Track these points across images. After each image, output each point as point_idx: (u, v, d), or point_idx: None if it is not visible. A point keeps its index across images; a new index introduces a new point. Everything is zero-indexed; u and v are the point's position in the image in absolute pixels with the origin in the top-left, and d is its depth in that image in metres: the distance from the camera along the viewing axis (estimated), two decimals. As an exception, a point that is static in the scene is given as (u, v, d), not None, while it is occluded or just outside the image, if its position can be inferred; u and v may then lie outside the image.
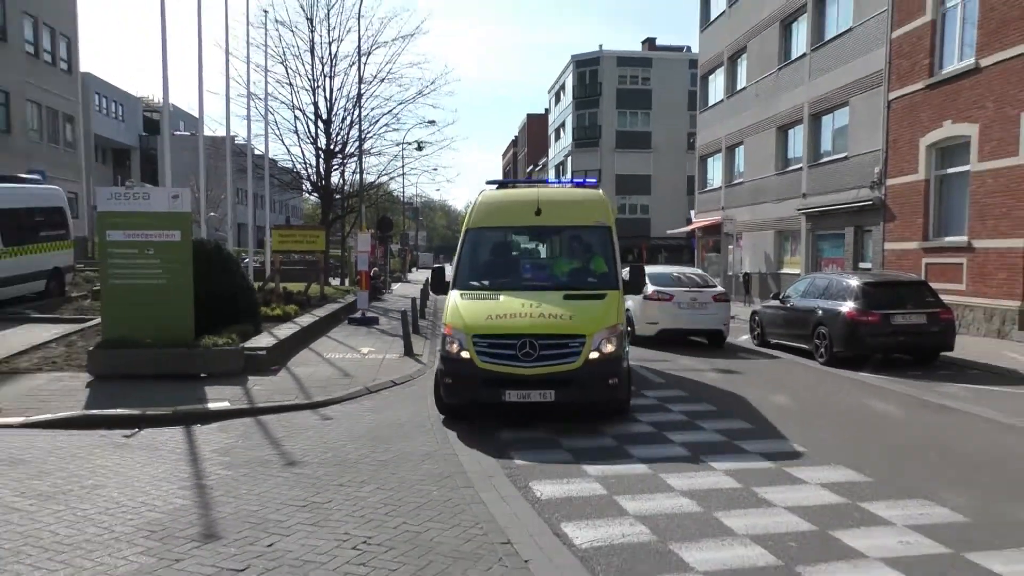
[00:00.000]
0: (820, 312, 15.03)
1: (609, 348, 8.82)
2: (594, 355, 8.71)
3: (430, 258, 77.06)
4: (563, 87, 73.13)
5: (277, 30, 29.16)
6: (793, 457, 7.84)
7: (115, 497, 6.35)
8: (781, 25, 29.61)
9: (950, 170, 19.85)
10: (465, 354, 8.82)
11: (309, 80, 29.73)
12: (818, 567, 5.08)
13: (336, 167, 31.69)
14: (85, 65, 41.40)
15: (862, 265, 23.74)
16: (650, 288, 16.41)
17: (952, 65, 19.58)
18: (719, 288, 18.64)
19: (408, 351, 14.65)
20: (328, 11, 30.08)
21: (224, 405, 9.83)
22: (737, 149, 33.97)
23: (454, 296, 9.69)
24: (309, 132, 30.06)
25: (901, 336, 14.15)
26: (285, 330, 15.20)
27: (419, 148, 35.40)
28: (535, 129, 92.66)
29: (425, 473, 7.13)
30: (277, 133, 30.21)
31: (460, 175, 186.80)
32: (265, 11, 28.91)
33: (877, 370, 13.68)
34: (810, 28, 27.37)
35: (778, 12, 29.66)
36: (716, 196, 36.17)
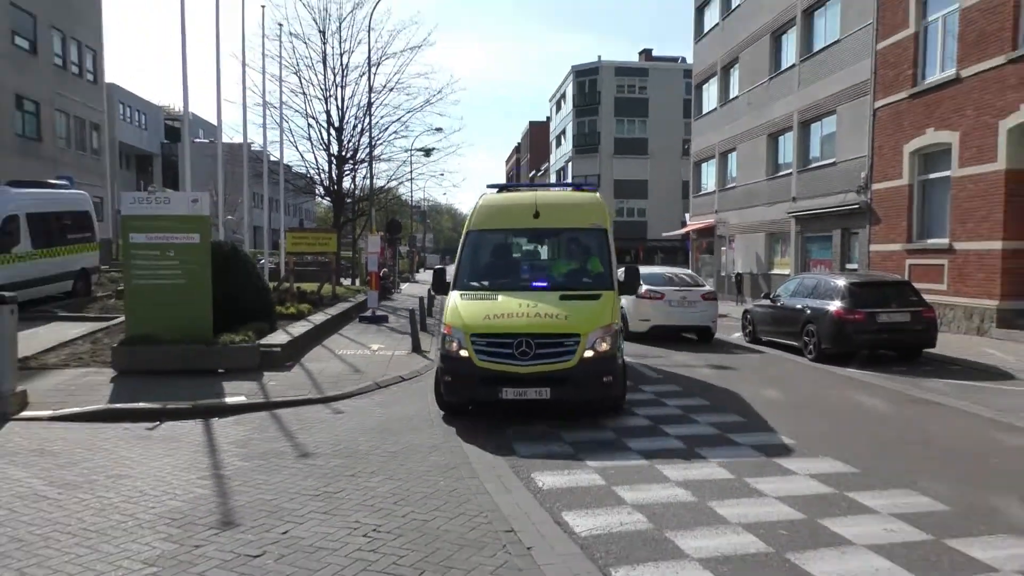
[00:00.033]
0: (809, 311, 15.01)
1: (604, 347, 8.69)
2: (589, 354, 8.59)
3: (437, 259, 76.98)
4: (564, 96, 73.14)
5: (291, 42, 29.28)
6: (783, 449, 7.83)
7: (138, 486, 6.37)
8: (772, 37, 29.55)
9: (932, 175, 19.83)
10: (464, 353, 8.72)
11: (322, 89, 29.75)
12: (807, 553, 5.09)
13: (347, 172, 31.68)
14: (110, 76, 41.51)
15: (849, 266, 23.70)
16: (643, 287, 16.41)
17: (934, 75, 19.57)
18: (708, 287, 18.82)
19: (416, 348, 14.65)
20: (340, 24, 30.06)
21: (241, 399, 9.85)
22: (730, 155, 33.91)
23: (454, 296, 9.60)
24: (322, 139, 30.07)
25: (886, 333, 14.13)
26: (299, 328, 15.19)
27: (427, 154, 35.44)
28: (537, 136, 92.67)
29: (432, 465, 7.14)
30: (291, 140, 30.34)
31: (466, 180, 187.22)
32: (280, 25, 28.91)
33: (863, 366, 13.66)
34: (799, 40, 27.32)
35: (769, 24, 29.62)
36: (710, 200, 36.12)
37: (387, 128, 31.34)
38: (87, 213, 21.18)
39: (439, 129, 34.77)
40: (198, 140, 44.68)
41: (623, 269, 10.40)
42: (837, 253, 24.53)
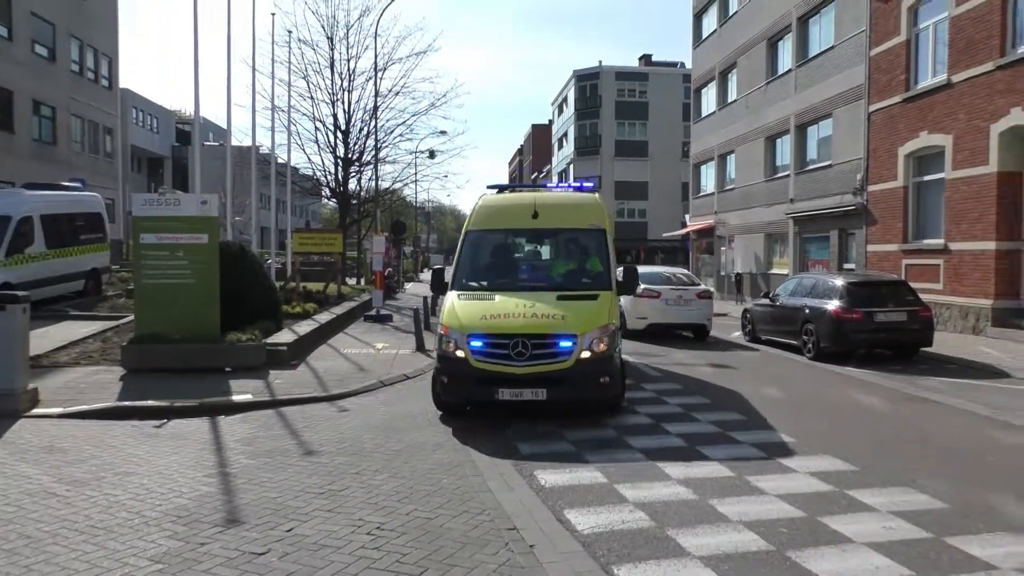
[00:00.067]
0: (807, 310, 14.92)
1: (601, 348, 8.47)
2: (586, 354, 8.37)
3: (441, 259, 76.82)
4: (566, 99, 73.09)
5: (300, 48, 29.24)
6: (783, 447, 7.75)
7: (145, 484, 6.31)
8: (768, 43, 29.46)
9: (927, 177, 19.75)
10: (460, 353, 8.51)
11: (329, 94, 29.80)
12: (807, 551, 5.01)
13: (353, 174, 31.72)
14: (123, 81, 41.52)
15: (846, 266, 23.59)
16: (640, 286, 16.42)
17: (926, 81, 19.53)
18: (703, 286, 18.95)
19: (420, 347, 14.58)
20: (347, 31, 30.14)
21: (247, 397, 9.78)
22: (728, 157, 33.82)
23: (451, 296, 9.39)
24: (328, 142, 30.13)
25: (883, 332, 14.05)
26: (304, 327, 15.13)
27: (431, 156, 35.39)
28: (539, 138, 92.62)
29: (436, 463, 7.06)
30: (299, 143, 30.37)
31: (469, 181, 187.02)
32: (289, 31, 28.97)
33: (861, 364, 13.56)
34: (795, 46, 27.24)
35: (765, 31, 29.53)
36: (709, 201, 36.02)
37: (393, 131, 31.42)
38: (99, 214, 21.15)
39: (443, 132, 34.54)
40: (208, 143, 44.70)
41: (621, 269, 10.26)
42: (835, 253, 24.44)
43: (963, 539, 5.21)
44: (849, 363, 13.68)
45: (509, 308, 8.76)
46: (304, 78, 29.12)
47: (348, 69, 29.92)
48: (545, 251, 11.22)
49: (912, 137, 19.82)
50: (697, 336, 17.95)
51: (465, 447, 7.64)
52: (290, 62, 26.54)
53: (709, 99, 36.34)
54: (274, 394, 10.11)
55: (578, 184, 11.92)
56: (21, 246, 17.24)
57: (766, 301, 17.22)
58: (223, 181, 20.57)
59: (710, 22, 36.09)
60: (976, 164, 17.40)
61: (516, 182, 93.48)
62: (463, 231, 10.53)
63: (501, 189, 11.56)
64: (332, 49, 29.65)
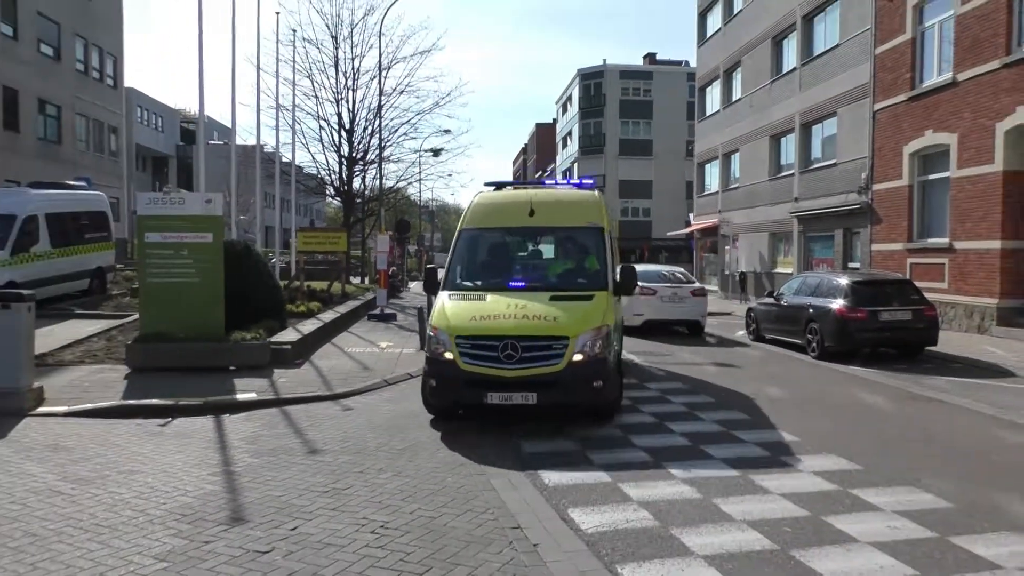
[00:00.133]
0: (812, 309, 14.89)
1: (594, 350, 8.12)
2: (578, 357, 8.01)
3: (445, 258, 76.59)
4: (570, 98, 73.04)
5: (304, 47, 29.27)
6: (787, 446, 7.74)
7: (150, 482, 6.32)
8: (773, 41, 29.40)
9: (931, 176, 19.70)
10: (448, 355, 8.20)
11: (333, 93, 29.77)
12: (811, 551, 4.99)
13: (357, 173, 31.71)
14: (128, 80, 41.57)
15: (851, 265, 23.53)
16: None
17: (931, 79, 19.47)
18: (697, 284, 19.54)
19: (424, 345, 14.52)
20: (351, 30, 30.07)
21: (251, 396, 9.79)
22: (733, 156, 33.77)
23: (442, 297, 9.10)
24: (333, 141, 30.10)
25: (888, 332, 14.02)
26: (309, 326, 15.13)
27: (435, 154, 35.35)
28: (543, 137, 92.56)
29: (439, 462, 7.06)
30: (303, 142, 30.26)
31: (473, 180, 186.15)
32: (294, 30, 28.89)
33: (865, 364, 13.53)
34: (799, 44, 27.18)
35: (770, 29, 29.47)
36: (713, 200, 35.97)
37: (397, 130, 31.40)
38: (104, 213, 21.21)
39: (448, 131, 34.45)
40: (213, 142, 44.74)
41: (619, 269, 9.86)
42: (839, 252, 24.38)
43: (968, 538, 5.19)
44: (854, 362, 13.64)
45: (500, 309, 8.45)
46: (308, 77, 29.14)
47: (352, 68, 29.91)
48: (541, 250, 10.86)
49: (917, 136, 19.77)
50: (692, 332, 18.39)
51: (468, 446, 7.63)
52: (294, 61, 26.59)
53: (713, 98, 36.28)
54: (278, 393, 10.11)
55: (578, 181, 11.73)
56: (26, 245, 17.29)
57: (770, 300, 17.20)
58: (227, 180, 20.63)
59: (715, 20, 36.02)
60: (981, 163, 17.35)
61: (520, 180, 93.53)
62: (457, 229, 10.26)
63: (500, 186, 11.18)
64: (336, 48, 29.65)
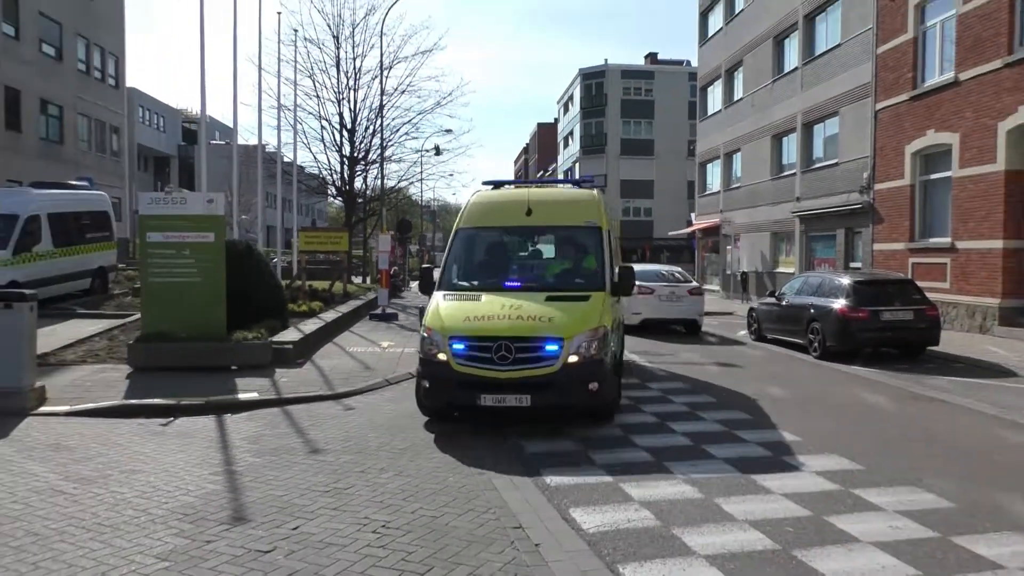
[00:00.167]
0: (813, 309, 14.88)
1: (589, 351, 7.97)
2: (573, 358, 7.87)
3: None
4: (571, 98, 73.02)
5: (306, 47, 29.34)
6: (789, 446, 7.73)
7: (151, 482, 6.32)
8: (774, 41, 29.39)
9: (933, 176, 19.69)
10: (442, 356, 8.07)
11: (335, 93, 29.80)
12: (813, 551, 4.99)
13: (359, 173, 31.74)
14: (130, 80, 41.61)
15: (852, 265, 23.52)
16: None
17: (933, 78, 19.46)
18: (694, 283, 19.72)
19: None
20: (353, 30, 30.11)
21: (253, 396, 9.79)
22: (734, 156, 33.75)
23: (437, 297, 8.96)
24: (334, 140, 30.13)
25: (890, 331, 14.02)
26: (310, 325, 15.14)
27: (437, 152, 35.35)
28: (545, 137, 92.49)
29: (441, 461, 7.06)
30: (305, 142, 30.34)
31: (475, 180, 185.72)
32: (295, 30, 28.95)
33: (867, 363, 13.52)
34: (801, 44, 27.17)
35: (771, 29, 29.46)
36: (715, 200, 35.95)
37: (398, 130, 31.42)
38: (106, 213, 21.23)
39: (449, 131, 34.48)
40: (214, 142, 44.70)
41: (617, 269, 9.72)
42: (841, 252, 24.37)
43: (970, 538, 5.19)
44: (855, 362, 13.64)
45: (494, 309, 8.31)
46: (310, 77, 29.17)
47: (354, 68, 29.95)
48: (539, 249, 10.72)
49: (919, 135, 19.75)
50: (689, 331, 18.58)
51: (469, 446, 7.63)
52: (296, 61, 26.64)
53: (715, 97, 36.26)
54: (280, 392, 10.11)
55: (578, 179, 11.64)
56: (28, 244, 17.32)
57: (772, 300, 17.19)
58: (229, 180, 20.64)
59: (716, 20, 36.01)
60: (983, 162, 17.34)
61: (523, 179, 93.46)
62: (453, 229, 10.15)
63: (498, 185, 10.99)
64: (338, 48, 29.69)
